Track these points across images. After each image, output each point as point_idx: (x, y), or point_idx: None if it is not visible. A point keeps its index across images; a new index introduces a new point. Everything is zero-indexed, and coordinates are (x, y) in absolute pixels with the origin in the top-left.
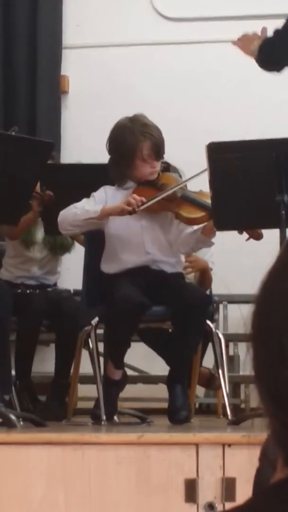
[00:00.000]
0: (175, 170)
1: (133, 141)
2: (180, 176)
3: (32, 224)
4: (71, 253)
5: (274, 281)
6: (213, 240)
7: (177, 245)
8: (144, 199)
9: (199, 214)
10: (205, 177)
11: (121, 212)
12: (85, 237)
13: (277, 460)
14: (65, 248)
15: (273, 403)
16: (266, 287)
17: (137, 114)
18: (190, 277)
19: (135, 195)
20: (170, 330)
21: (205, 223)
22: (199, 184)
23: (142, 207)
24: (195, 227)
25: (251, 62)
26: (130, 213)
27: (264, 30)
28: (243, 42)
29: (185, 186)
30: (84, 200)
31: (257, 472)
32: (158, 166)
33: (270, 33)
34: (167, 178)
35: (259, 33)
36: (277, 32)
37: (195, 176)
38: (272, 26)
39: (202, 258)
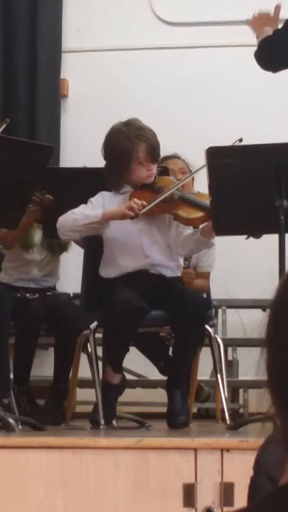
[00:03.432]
0: (187, 165)
1: (129, 145)
2: (190, 171)
3: (28, 227)
4: (68, 252)
5: None
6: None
7: (177, 248)
8: (145, 203)
9: (197, 214)
10: (204, 180)
11: (122, 217)
12: (84, 242)
13: (272, 468)
14: (63, 247)
15: (285, 407)
16: (281, 292)
17: (131, 118)
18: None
19: (136, 199)
20: (164, 335)
21: (204, 224)
22: (197, 187)
23: (144, 210)
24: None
25: (251, 68)
26: (132, 217)
27: (277, 8)
28: (258, 21)
29: (183, 188)
30: (82, 206)
31: (251, 481)
32: (154, 169)
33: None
34: (164, 181)
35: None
36: (276, 33)
37: (193, 174)
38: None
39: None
